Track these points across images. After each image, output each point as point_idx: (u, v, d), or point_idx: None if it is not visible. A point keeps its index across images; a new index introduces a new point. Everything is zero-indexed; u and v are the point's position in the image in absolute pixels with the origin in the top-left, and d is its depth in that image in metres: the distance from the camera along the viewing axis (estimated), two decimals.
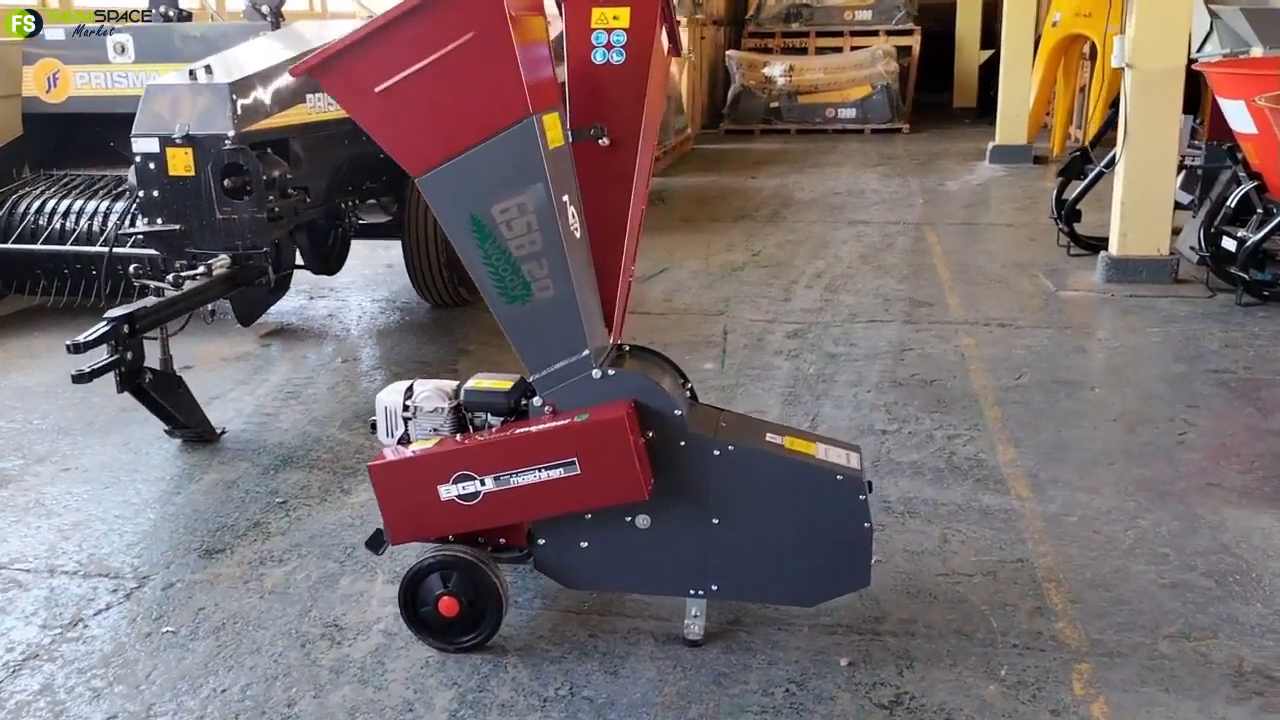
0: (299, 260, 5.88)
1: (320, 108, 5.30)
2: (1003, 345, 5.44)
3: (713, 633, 2.92)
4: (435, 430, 2.92)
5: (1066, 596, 3.08)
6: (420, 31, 2.54)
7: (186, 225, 4.66)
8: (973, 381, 4.92)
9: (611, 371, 2.79)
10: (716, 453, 2.80)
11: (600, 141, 3.11)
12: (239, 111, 4.72)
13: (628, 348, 3.05)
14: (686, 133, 13.56)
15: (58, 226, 5.60)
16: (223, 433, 4.37)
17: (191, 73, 4.77)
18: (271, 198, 4.72)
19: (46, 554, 3.43)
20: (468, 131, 2.61)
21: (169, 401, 4.09)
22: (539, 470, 2.75)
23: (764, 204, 9.73)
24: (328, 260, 6.12)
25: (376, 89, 2.59)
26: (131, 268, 4.27)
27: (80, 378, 3.57)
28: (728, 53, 15.47)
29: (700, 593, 2.87)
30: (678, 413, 2.80)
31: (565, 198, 2.77)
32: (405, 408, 2.93)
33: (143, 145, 4.67)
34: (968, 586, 3.15)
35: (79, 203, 5.69)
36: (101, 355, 3.72)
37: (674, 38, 3.31)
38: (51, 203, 5.73)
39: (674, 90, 12.81)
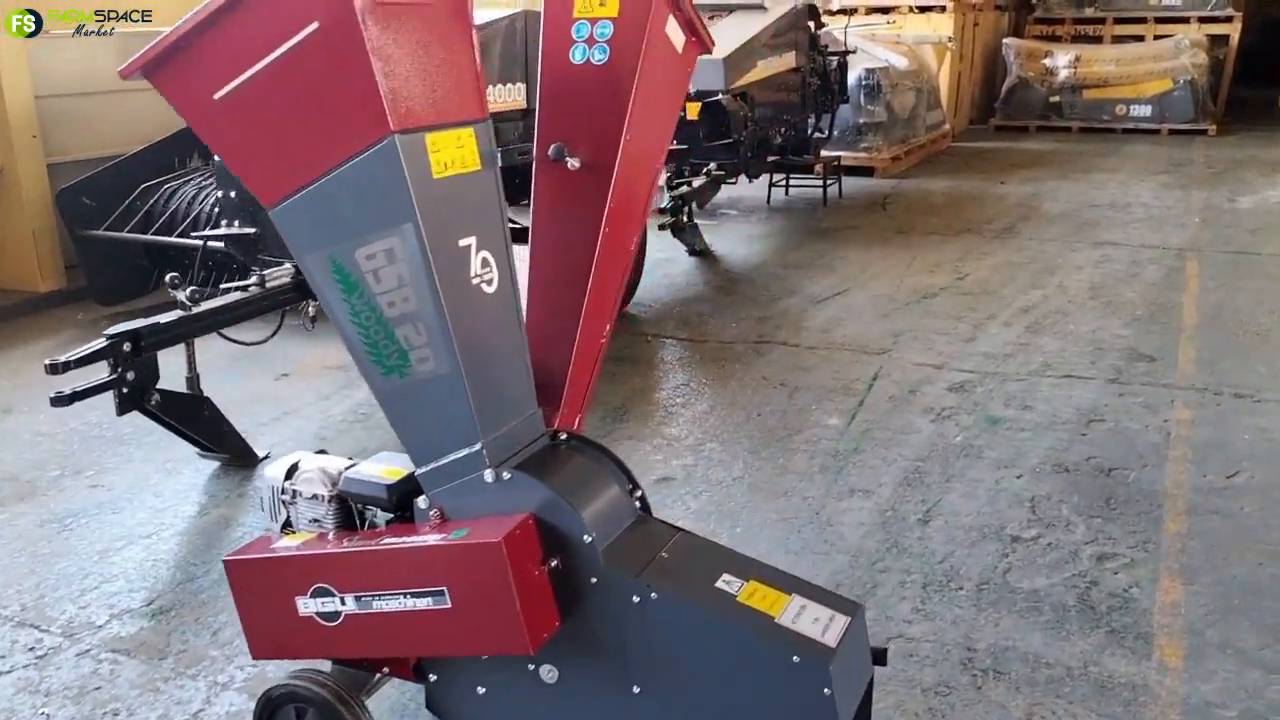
0: None
1: None
2: (1228, 425, 4.20)
3: None
4: (316, 522, 2.34)
5: None
6: (256, 21, 1.94)
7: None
8: (1166, 476, 3.77)
9: (508, 475, 2.10)
10: (636, 598, 2.05)
11: (568, 164, 2.42)
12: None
13: (564, 437, 2.33)
14: (943, 129, 12.30)
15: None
16: (266, 457, 4.02)
17: None
18: None
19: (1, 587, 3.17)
20: (320, 154, 1.99)
21: (190, 425, 3.77)
22: (404, 597, 2.11)
23: (1001, 215, 8.49)
24: None
25: (215, 95, 2.02)
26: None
27: (59, 400, 3.28)
28: (1004, 41, 13.94)
29: None
30: (587, 539, 2.07)
31: (467, 242, 2.10)
32: (284, 490, 2.37)
33: None
34: None
35: None
36: (103, 372, 3.44)
37: (692, 29, 2.54)
38: (208, 192, 5.68)
39: (929, 81, 11.61)
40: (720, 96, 7.27)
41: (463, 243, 2.09)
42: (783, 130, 8.68)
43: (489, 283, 2.15)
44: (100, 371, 3.45)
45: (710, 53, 2.69)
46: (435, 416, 2.12)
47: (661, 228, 6.56)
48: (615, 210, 2.41)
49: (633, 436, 4.21)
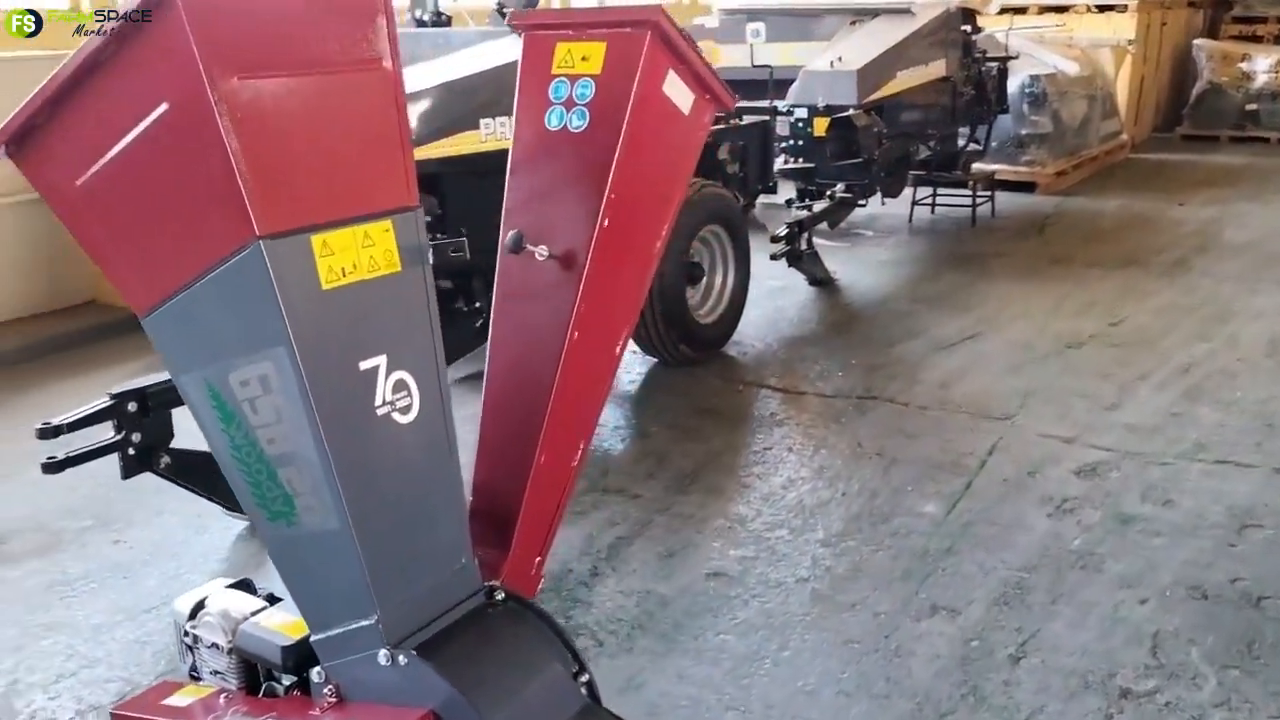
0: None
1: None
2: None
3: None
4: (216, 674, 1.98)
5: None
6: (107, 99, 1.59)
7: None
8: None
9: (404, 659, 1.68)
10: None
11: (536, 255, 1.98)
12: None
13: (501, 597, 1.89)
14: (1120, 139, 11.20)
15: None
16: None
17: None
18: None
19: None
20: (184, 259, 1.62)
21: (207, 484, 3.50)
22: None
23: (1173, 244, 7.55)
24: None
25: (77, 181, 1.68)
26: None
27: (50, 467, 3.06)
28: (1195, 42, 12.63)
29: None
30: None
31: (373, 363, 1.69)
32: (185, 632, 2.02)
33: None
34: None
35: None
36: (107, 432, 3.21)
37: (703, 84, 2.06)
38: None
39: (1104, 88, 10.57)
40: (851, 112, 6.67)
41: (366, 365, 1.69)
42: (930, 144, 8.00)
43: (404, 411, 1.74)
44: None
45: (731, 109, 2.20)
46: (326, 577, 1.73)
47: (773, 258, 6.02)
48: (587, 312, 1.95)
49: (692, 515, 3.74)
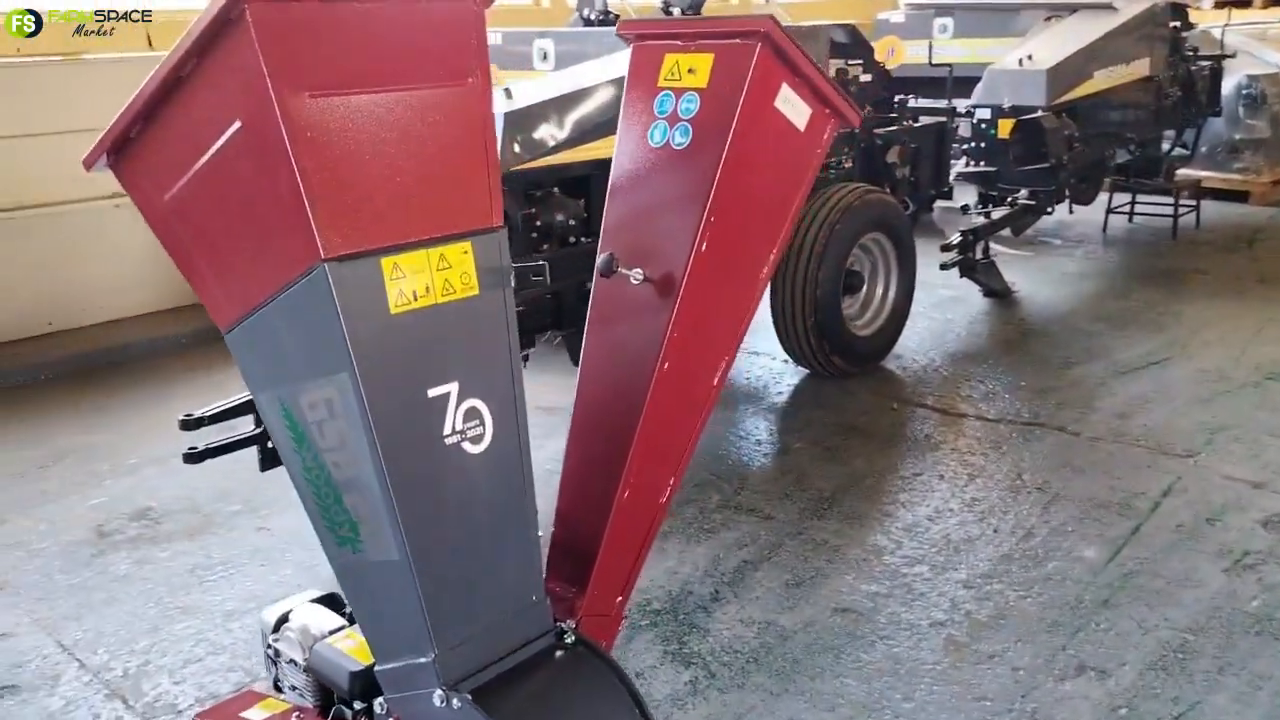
0: None
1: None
2: None
3: None
4: (294, 690, 1.97)
5: None
6: (188, 111, 1.57)
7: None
8: None
9: (458, 703, 1.61)
10: None
11: (630, 279, 1.88)
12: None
13: (571, 640, 1.80)
14: None
15: None
16: None
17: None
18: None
19: (91, 646, 3.11)
20: (258, 278, 1.60)
21: None
22: None
23: None
24: None
25: (165, 196, 1.68)
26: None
27: (192, 457, 3.17)
28: None
29: None
30: None
31: (442, 390, 1.63)
32: (269, 645, 2.02)
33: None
34: None
35: None
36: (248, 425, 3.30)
37: (822, 98, 1.91)
38: None
39: None
40: (1039, 113, 6.26)
41: (435, 392, 1.62)
42: (1129, 149, 7.45)
43: (475, 440, 1.67)
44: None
45: (857, 126, 2.03)
46: (387, 608, 1.68)
47: (943, 267, 5.71)
48: (681, 341, 1.83)
49: (825, 543, 3.56)
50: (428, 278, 1.61)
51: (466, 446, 1.67)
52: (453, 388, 1.65)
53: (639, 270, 1.87)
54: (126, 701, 2.85)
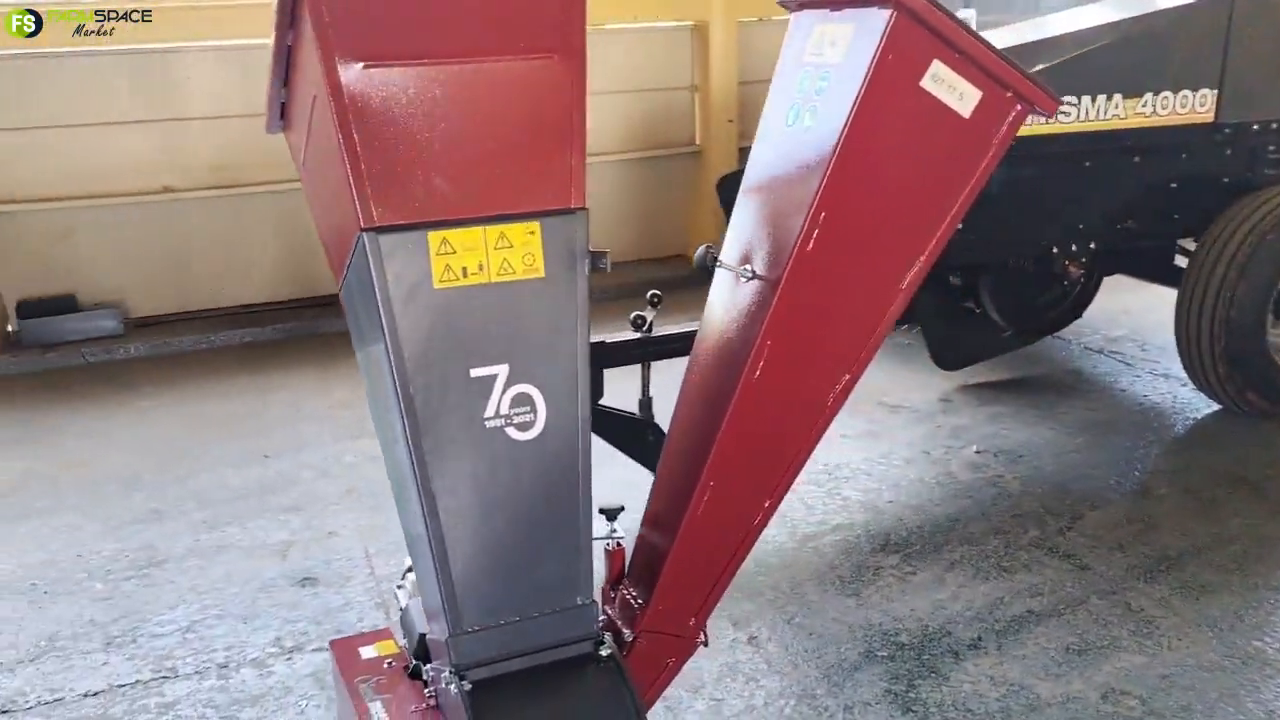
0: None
1: None
2: None
3: None
4: (406, 638, 2.04)
5: None
6: (303, 72, 1.66)
7: None
8: None
9: (455, 688, 1.58)
10: None
11: (738, 275, 1.73)
12: None
13: (607, 652, 1.67)
14: None
15: None
16: None
17: None
18: None
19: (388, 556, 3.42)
20: (338, 247, 1.67)
21: (630, 448, 3.62)
22: None
23: None
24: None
25: (301, 160, 1.80)
26: None
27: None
28: None
29: None
30: None
31: (488, 372, 1.60)
32: (399, 584, 2.10)
33: None
34: None
35: None
36: None
37: (998, 79, 1.60)
38: None
39: None
40: None
41: (479, 372, 1.60)
42: None
43: (523, 427, 1.62)
44: None
45: (1052, 112, 1.65)
46: (425, 580, 1.70)
47: None
48: (777, 349, 1.64)
49: (1142, 611, 2.97)
50: (482, 255, 1.58)
51: (511, 432, 1.62)
52: (501, 370, 1.60)
53: (747, 266, 1.68)
54: (388, 615, 3.16)
